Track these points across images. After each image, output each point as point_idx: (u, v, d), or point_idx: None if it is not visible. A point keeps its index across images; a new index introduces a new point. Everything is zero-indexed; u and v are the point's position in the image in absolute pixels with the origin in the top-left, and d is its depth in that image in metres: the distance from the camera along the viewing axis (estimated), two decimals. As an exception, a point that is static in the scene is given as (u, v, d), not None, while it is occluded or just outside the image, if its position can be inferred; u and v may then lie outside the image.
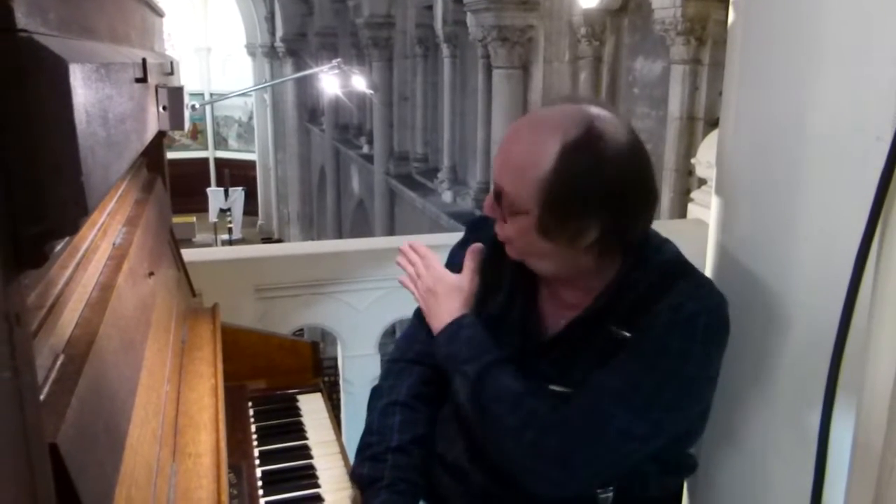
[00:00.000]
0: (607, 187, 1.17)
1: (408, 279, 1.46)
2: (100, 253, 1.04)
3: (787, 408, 1.33)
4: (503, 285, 1.38)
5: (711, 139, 3.10)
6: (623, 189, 1.18)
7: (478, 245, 1.39)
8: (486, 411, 1.26)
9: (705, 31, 5.00)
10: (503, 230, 1.27)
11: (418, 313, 1.50)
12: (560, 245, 1.21)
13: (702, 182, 3.27)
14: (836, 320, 1.01)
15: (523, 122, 1.27)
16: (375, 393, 1.47)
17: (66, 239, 0.80)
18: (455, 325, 1.34)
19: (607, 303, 1.26)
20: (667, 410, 1.22)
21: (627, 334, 1.23)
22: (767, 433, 1.37)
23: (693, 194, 3.28)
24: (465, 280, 1.38)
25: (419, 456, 1.38)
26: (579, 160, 1.15)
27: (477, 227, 1.49)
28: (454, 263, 1.45)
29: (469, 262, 1.38)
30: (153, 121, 1.27)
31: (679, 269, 1.29)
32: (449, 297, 1.37)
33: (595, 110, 1.20)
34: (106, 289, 0.94)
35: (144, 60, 0.98)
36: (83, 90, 0.57)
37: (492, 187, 1.26)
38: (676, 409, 1.24)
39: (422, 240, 2.91)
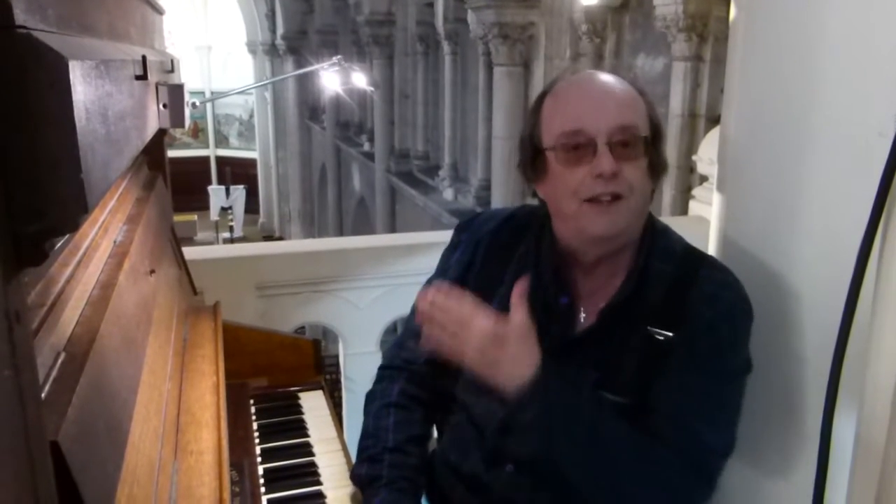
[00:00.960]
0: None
1: (439, 333, 1.22)
2: (101, 251, 1.03)
3: (790, 403, 1.33)
4: (505, 280, 1.36)
5: (713, 136, 3.09)
6: None
7: (526, 277, 1.24)
8: (606, 454, 1.21)
9: (707, 28, 4.99)
10: (625, 182, 1.20)
11: (414, 312, 1.49)
12: (653, 183, 1.27)
13: (703, 179, 3.27)
14: (838, 315, 1.01)
15: (595, 77, 1.30)
16: (369, 397, 1.48)
17: (67, 237, 0.80)
18: (544, 376, 1.18)
19: (635, 292, 1.26)
20: (736, 411, 1.27)
21: (668, 334, 1.24)
22: (770, 428, 1.37)
23: (695, 191, 3.27)
24: (524, 317, 1.19)
25: (416, 455, 1.38)
26: (646, 94, 1.30)
27: (465, 229, 1.47)
28: (447, 268, 1.45)
29: (519, 298, 1.20)
30: (153, 118, 1.27)
31: (695, 256, 1.32)
32: (524, 342, 1.18)
33: None
34: (107, 287, 0.94)
35: (144, 58, 0.98)
36: (83, 87, 0.56)
37: (603, 140, 1.19)
38: (739, 407, 1.28)
39: (423, 238, 2.92)
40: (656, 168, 1.26)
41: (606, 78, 1.28)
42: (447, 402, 1.44)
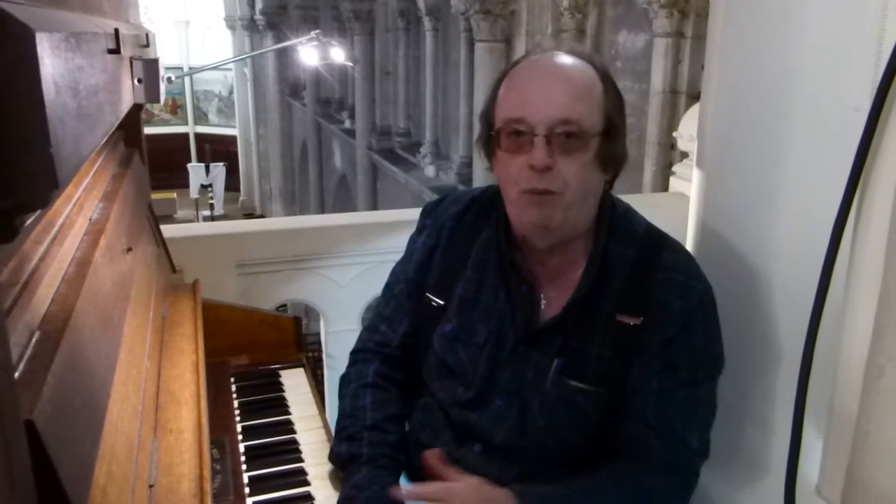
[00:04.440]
0: (624, 111, 1.28)
1: None
2: (76, 228, 1.02)
3: (765, 376, 1.35)
4: (468, 264, 1.37)
5: (693, 112, 3.10)
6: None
7: (433, 452, 1.31)
8: None
9: (688, 4, 4.98)
10: (559, 176, 1.19)
11: (385, 297, 1.50)
12: (604, 175, 1.25)
13: (684, 155, 3.28)
14: (813, 290, 1.02)
15: (552, 61, 1.25)
16: (343, 381, 1.48)
17: (38, 213, 0.79)
18: None
19: (597, 279, 1.26)
20: (712, 408, 1.30)
21: (637, 320, 1.24)
22: (744, 401, 1.39)
23: (675, 168, 3.28)
24: (473, 483, 1.24)
25: (395, 432, 1.39)
26: (612, 84, 1.26)
27: (430, 213, 1.47)
28: (413, 251, 1.46)
29: (443, 468, 1.29)
30: (128, 93, 1.24)
31: (657, 241, 1.31)
32: (485, 495, 1.23)
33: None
34: (82, 264, 0.93)
35: (117, 31, 0.96)
36: (51, 60, 0.55)
37: (542, 132, 1.17)
38: (715, 398, 1.31)
39: (405, 215, 2.91)
40: (607, 161, 1.24)
41: (564, 63, 1.24)
42: (417, 385, 1.45)
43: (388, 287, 1.50)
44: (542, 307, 1.32)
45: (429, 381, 1.41)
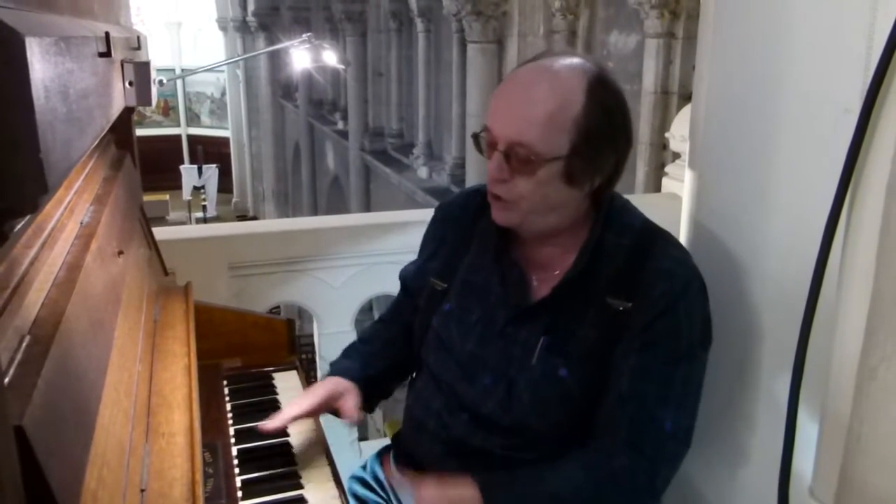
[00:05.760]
0: (625, 118, 1.26)
1: None
2: (66, 232, 1.02)
3: (758, 377, 1.35)
4: (469, 250, 1.44)
5: (685, 113, 3.11)
6: (629, 122, 1.28)
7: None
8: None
9: (679, 5, 4.99)
10: (514, 189, 1.24)
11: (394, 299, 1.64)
12: (577, 190, 1.25)
13: (676, 156, 3.29)
14: (805, 291, 1.02)
15: (530, 71, 1.25)
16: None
17: (28, 217, 0.78)
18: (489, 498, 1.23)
19: (589, 265, 1.28)
20: (695, 391, 1.29)
21: (627, 304, 1.25)
22: (738, 403, 1.39)
23: (667, 168, 3.29)
24: (438, 487, 1.26)
25: (389, 331, 1.57)
26: (606, 92, 1.23)
27: (441, 207, 1.56)
28: (424, 244, 1.55)
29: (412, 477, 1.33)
30: (119, 96, 1.24)
31: (651, 232, 1.33)
32: (444, 489, 1.25)
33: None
34: (73, 268, 0.92)
35: (108, 34, 0.96)
36: (41, 65, 0.55)
37: (501, 148, 1.22)
38: (699, 384, 1.30)
39: (398, 216, 2.91)
40: (575, 177, 1.23)
41: (541, 77, 1.22)
42: (415, 367, 1.54)
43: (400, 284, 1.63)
44: (533, 289, 1.35)
45: (426, 356, 1.47)
